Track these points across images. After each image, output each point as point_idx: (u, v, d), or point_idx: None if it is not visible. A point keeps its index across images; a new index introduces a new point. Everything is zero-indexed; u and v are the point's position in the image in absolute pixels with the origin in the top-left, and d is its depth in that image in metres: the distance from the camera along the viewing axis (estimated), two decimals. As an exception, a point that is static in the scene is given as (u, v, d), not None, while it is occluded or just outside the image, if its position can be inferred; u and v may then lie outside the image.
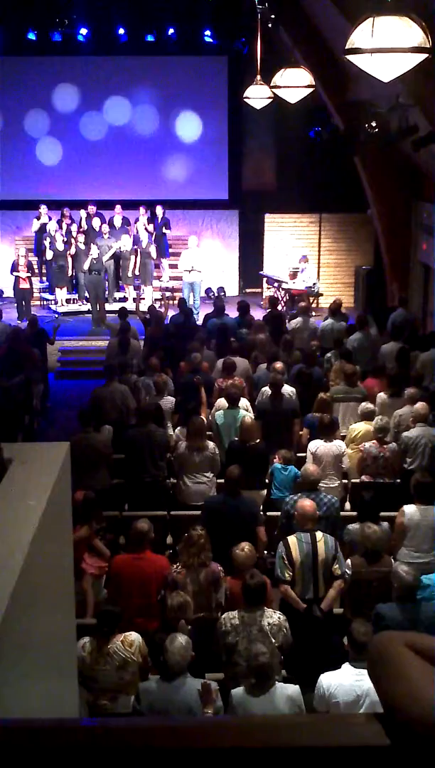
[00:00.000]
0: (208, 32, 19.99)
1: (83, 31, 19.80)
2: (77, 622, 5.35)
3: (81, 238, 18.74)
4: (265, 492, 8.68)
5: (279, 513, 7.59)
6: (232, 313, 14.47)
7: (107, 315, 17.17)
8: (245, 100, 14.64)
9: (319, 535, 6.62)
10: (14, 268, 17.90)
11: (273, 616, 5.80)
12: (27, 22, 19.51)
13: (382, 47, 6.40)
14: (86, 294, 18.58)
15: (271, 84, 12.32)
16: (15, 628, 1.75)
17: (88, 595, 6.82)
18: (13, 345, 12.92)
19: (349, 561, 6.65)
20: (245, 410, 9.62)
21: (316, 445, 8.77)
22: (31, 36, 19.77)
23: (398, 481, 8.80)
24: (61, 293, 18.99)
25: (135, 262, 18.53)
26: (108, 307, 17.86)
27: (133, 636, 5.58)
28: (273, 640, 5.63)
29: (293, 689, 5.17)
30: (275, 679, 5.26)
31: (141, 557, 6.55)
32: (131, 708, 5.36)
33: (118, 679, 5.45)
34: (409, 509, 7.40)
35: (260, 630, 5.68)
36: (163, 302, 18.55)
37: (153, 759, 1.02)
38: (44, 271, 19.58)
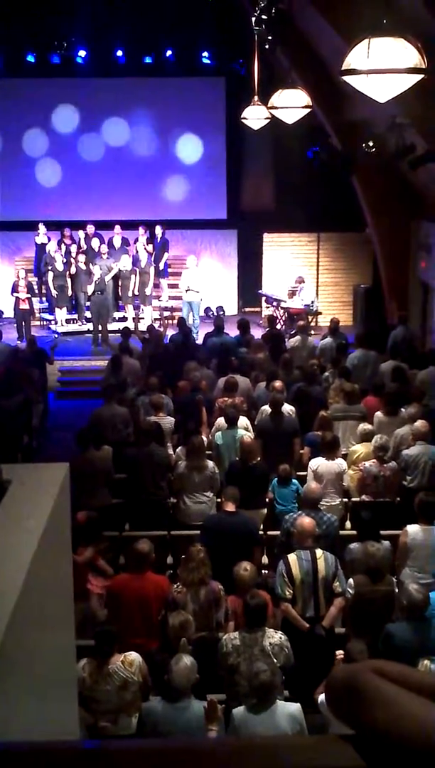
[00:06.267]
0: (205, 54, 20.14)
1: (82, 53, 19.96)
2: (85, 642, 5.33)
3: (81, 258, 18.80)
4: (265, 511, 8.67)
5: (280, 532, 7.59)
6: (231, 332, 14.49)
7: (109, 335, 17.21)
8: (243, 120, 14.73)
9: (318, 552, 6.61)
10: (14, 289, 17.94)
11: (274, 636, 5.78)
12: (26, 44, 19.68)
13: (378, 68, 6.46)
14: (86, 314, 18.60)
15: (269, 105, 12.39)
16: (14, 650, 1.75)
17: (98, 615, 6.79)
18: (11, 365, 12.94)
19: (351, 580, 6.63)
20: (245, 429, 9.62)
21: (317, 463, 8.77)
22: (30, 58, 19.93)
23: (398, 499, 8.78)
24: (61, 313, 19.02)
25: (134, 282, 18.58)
26: (109, 327, 17.88)
27: (134, 656, 5.56)
28: (274, 660, 5.61)
29: (295, 707, 5.15)
30: (277, 698, 5.23)
31: (141, 577, 6.53)
32: (134, 729, 5.33)
33: (118, 699, 5.43)
34: (413, 529, 7.38)
35: (262, 650, 5.65)
36: (162, 322, 18.58)
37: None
38: (44, 291, 19.62)
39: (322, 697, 5.24)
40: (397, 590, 6.72)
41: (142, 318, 18.47)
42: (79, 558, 6.91)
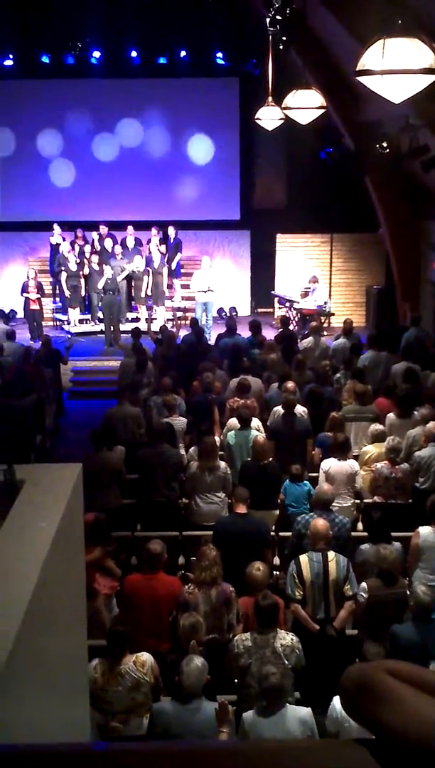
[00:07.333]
0: (219, 54, 20.15)
1: (96, 54, 20.00)
2: (93, 642, 5.34)
3: (94, 258, 18.83)
4: (277, 512, 8.66)
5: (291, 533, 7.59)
6: (243, 332, 14.48)
7: (121, 335, 17.25)
8: (257, 121, 14.70)
9: (330, 554, 6.61)
10: (24, 289, 18.02)
11: (286, 638, 5.77)
12: (41, 45, 19.75)
13: (393, 69, 6.44)
14: (99, 314, 18.65)
15: (283, 105, 12.38)
16: (27, 650, 1.75)
17: (102, 615, 6.81)
18: (23, 365, 12.97)
19: (364, 584, 6.61)
20: (257, 430, 9.62)
21: (329, 464, 8.75)
22: (45, 59, 19.99)
23: (410, 501, 8.76)
24: (74, 313, 19.07)
25: (147, 283, 18.61)
26: (121, 327, 17.93)
27: (145, 656, 5.56)
28: (286, 662, 5.60)
29: (305, 712, 5.13)
30: (287, 701, 5.22)
31: (153, 578, 6.54)
32: (145, 730, 5.33)
33: (130, 700, 5.43)
34: (425, 531, 7.36)
35: (273, 652, 5.64)
36: (175, 322, 18.60)
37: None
38: (57, 291, 19.68)
39: (331, 708, 5.22)
40: (409, 592, 6.71)
41: (155, 318, 18.49)
42: (87, 557, 6.92)
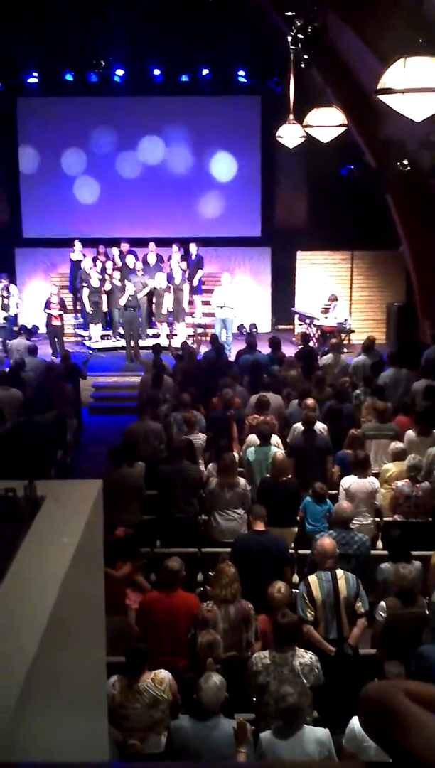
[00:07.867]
0: (241, 72, 20.27)
1: (119, 72, 20.17)
2: (115, 659, 5.34)
3: (116, 275, 18.92)
4: (295, 529, 8.63)
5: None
6: (264, 349, 14.49)
7: (141, 351, 17.31)
8: (278, 139, 14.76)
9: (339, 573, 6.57)
10: (47, 305, 18.12)
11: (304, 656, 5.74)
12: (64, 63, 19.95)
13: (414, 87, 6.47)
14: (120, 330, 18.71)
15: (304, 123, 12.43)
16: (47, 665, 1.76)
17: (134, 630, 6.81)
18: (45, 381, 13.03)
19: (383, 603, 6.57)
20: (276, 447, 9.60)
21: (349, 482, 8.72)
22: (69, 77, 20.18)
23: (430, 520, 8.71)
24: (96, 329, 19.15)
25: (169, 299, 18.66)
26: (141, 343, 17.99)
27: (164, 673, 5.55)
28: (304, 681, 5.57)
29: (323, 732, 5.08)
30: (306, 721, 5.18)
31: (171, 595, 6.53)
32: (163, 747, 5.32)
33: (148, 717, 5.42)
34: (444, 549, 7.32)
35: (291, 670, 5.62)
36: (195, 338, 18.63)
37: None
38: (78, 307, 19.78)
39: (350, 727, 5.17)
40: (428, 612, 6.66)
41: (176, 335, 18.53)
42: (118, 573, 6.96)
